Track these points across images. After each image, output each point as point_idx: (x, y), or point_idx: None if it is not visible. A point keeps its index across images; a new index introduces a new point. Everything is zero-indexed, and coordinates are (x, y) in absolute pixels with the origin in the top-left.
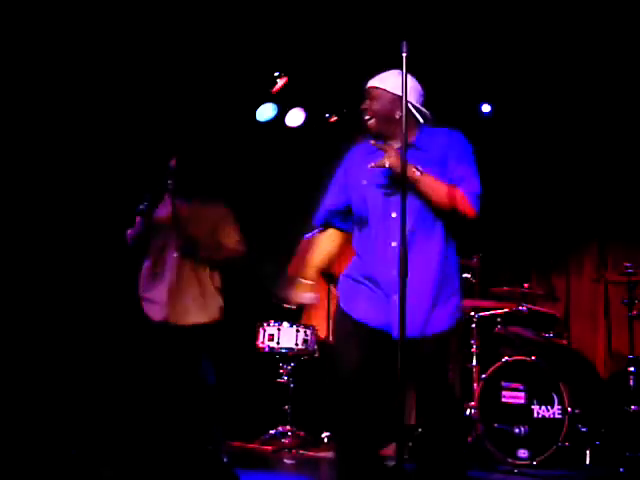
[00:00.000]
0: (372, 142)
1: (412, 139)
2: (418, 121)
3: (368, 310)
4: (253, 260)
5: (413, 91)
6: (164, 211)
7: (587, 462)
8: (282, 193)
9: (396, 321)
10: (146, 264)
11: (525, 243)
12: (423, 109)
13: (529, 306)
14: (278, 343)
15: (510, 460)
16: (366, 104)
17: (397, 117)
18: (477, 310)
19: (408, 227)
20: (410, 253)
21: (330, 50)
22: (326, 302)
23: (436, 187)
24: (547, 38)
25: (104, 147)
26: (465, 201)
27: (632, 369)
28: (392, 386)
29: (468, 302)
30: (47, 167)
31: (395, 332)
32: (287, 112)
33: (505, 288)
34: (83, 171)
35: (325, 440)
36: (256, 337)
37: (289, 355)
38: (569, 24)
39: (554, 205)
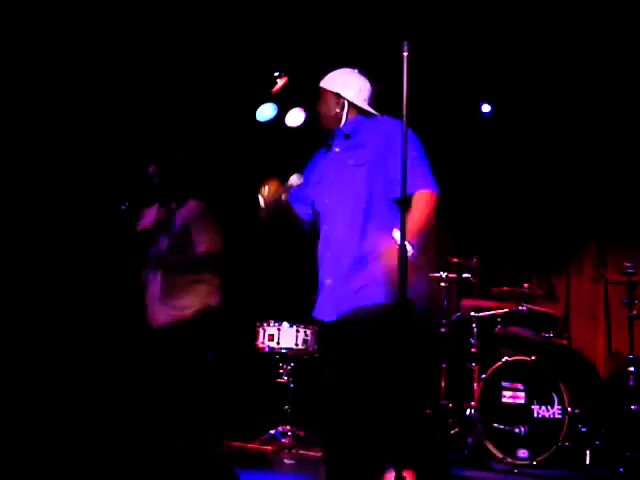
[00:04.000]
0: None
1: (342, 127)
2: (360, 112)
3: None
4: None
5: (351, 87)
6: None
7: (587, 462)
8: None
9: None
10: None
11: (525, 243)
12: (364, 105)
13: (529, 306)
14: (278, 343)
15: (510, 460)
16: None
17: (333, 113)
18: (477, 310)
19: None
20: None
21: (330, 50)
22: None
23: (422, 228)
24: (546, 38)
25: (100, 147)
26: (430, 208)
27: (632, 369)
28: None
29: (468, 302)
30: (45, 165)
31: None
32: (287, 112)
33: (505, 288)
34: (79, 171)
35: None
36: (256, 337)
37: (289, 355)
38: (568, 24)
39: (554, 205)
